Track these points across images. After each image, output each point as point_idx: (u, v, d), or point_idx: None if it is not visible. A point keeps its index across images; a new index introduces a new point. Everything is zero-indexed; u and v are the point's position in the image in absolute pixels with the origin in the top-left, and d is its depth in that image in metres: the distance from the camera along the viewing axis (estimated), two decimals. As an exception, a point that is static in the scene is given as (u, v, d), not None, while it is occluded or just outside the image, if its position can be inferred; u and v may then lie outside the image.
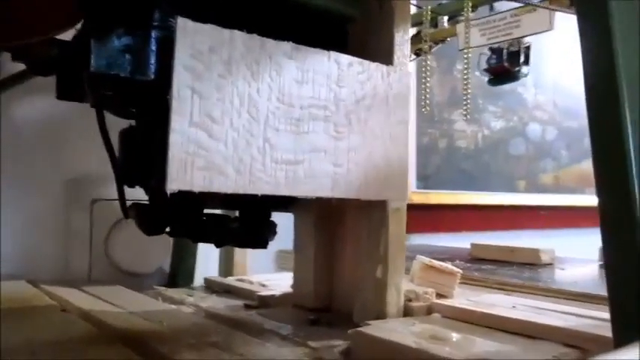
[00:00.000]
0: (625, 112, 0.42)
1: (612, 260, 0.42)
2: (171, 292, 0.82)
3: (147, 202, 0.59)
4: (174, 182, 0.45)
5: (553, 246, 1.08)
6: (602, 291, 0.69)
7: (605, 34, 0.43)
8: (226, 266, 0.95)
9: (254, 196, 0.51)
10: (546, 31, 0.87)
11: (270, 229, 0.61)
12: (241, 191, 0.49)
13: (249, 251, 0.98)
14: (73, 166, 0.95)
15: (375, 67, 0.60)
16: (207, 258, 1.00)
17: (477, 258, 0.98)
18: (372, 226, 0.63)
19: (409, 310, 0.62)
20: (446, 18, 1.00)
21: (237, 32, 0.49)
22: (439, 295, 0.66)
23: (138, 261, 0.93)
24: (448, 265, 0.67)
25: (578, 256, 1.13)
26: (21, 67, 0.73)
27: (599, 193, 0.43)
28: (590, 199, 1.72)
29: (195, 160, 0.47)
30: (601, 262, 0.96)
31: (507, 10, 0.92)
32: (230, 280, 0.89)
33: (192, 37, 0.47)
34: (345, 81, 0.57)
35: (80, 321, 0.60)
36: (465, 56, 0.88)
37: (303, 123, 0.54)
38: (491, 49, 1.02)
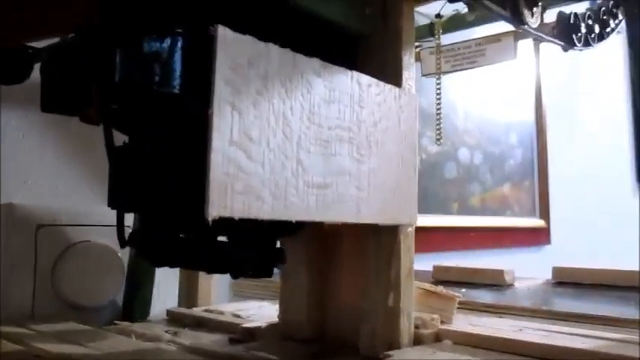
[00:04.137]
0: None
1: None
2: (138, 328, 0.74)
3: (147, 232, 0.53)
4: (215, 208, 0.41)
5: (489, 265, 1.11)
6: (590, 311, 0.72)
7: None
8: (188, 296, 0.87)
9: (261, 222, 0.47)
10: (510, 60, 0.91)
11: (280, 257, 0.57)
12: (277, 217, 0.45)
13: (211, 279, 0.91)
14: (12, 188, 0.84)
15: (389, 89, 0.58)
16: (156, 287, 0.93)
17: (440, 280, 0.99)
18: (381, 251, 0.61)
19: (419, 338, 0.61)
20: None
21: (272, 45, 0.46)
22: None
23: (89, 293, 0.84)
24: (447, 290, 0.67)
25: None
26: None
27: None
28: (513, 221, 1.80)
29: (235, 184, 0.42)
30: (554, 281, 1.01)
31: (471, 40, 0.95)
32: (197, 312, 0.82)
33: (232, 48, 0.43)
34: (365, 102, 0.55)
35: (66, 368, 0.52)
36: (437, 82, 0.90)
37: (331, 144, 0.51)
38: None
